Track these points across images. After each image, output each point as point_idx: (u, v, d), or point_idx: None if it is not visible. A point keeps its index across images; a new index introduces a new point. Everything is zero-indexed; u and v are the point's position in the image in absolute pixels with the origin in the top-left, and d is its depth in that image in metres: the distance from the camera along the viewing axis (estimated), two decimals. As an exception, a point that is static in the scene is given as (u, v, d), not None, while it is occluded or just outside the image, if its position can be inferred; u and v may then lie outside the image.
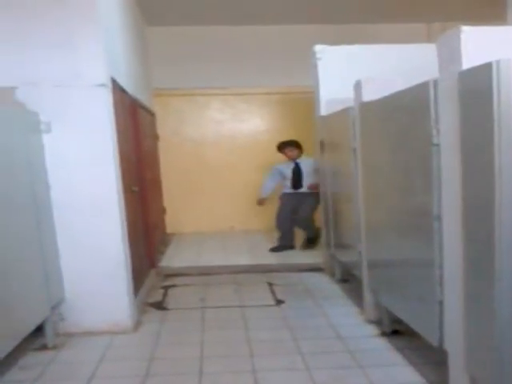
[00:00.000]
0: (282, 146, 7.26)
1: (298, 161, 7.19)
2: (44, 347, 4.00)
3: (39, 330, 3.94)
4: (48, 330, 4.01)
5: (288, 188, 7.26)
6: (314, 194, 6.67)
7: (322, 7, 7.36)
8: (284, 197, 7.34)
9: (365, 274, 4.37)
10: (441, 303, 3.00)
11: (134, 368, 3.67)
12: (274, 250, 7.20)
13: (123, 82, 4.99)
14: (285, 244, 7.25)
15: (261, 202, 7.55)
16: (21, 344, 3.60)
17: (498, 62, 2.25)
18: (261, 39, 8.16)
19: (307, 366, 3.55)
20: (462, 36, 2.54)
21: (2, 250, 3.38)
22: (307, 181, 7.05)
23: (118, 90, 4.65)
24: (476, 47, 2.53)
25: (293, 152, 7.19)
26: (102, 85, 4.10)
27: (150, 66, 7.78)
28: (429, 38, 7.52)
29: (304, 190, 7.09)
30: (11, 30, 3.96)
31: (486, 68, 2.30)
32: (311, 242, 7.22)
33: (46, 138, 4.06)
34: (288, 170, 7.23)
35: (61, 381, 3.53)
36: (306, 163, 7.09)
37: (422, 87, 2.99)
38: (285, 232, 7.29)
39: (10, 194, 3.54)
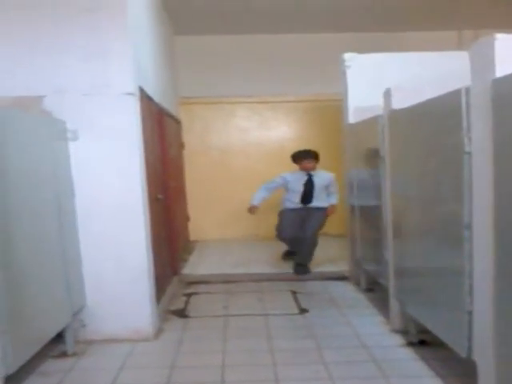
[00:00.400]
0: (299, 157, 6.37)
1: (311, 173, 6.33)
2: (64, 354, 3.98)
3: (60, 336, 3.93)
4: (68, 336, 4.00)
5: (293, 203, 6.35)
6: (323, 210, 6.32)
7: (350, 15, 7.33)
8: (286, 213, 6.45)
9: (391, 283, 4.30)
10: (470, 313, 2.93)
11: (154, 376, 3.64)
12: (286, 256, 6.82)
13: (150, 91, 5.00)
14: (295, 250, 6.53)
15: (252, 209, 6.47)
16: (41, 351, 3.59)
17: (531, 70, 2.20)
18: (287, 47, 8.17)
19: (331, 376, 3.49)
20: (496, 43, 2.52)
21: (25, 256, 3.38)
22: (319, 197, 6.30)
23: (145, 98, 4.66)
24: (509, 55, 2.50)
25: (311, 164, 6.28)
26: (130, 93, 4.12)
27: (177, 75, 7.81)
28: (460, 46, 7.44)
29: (316, 204, 6.32)
30: (42, 39, 4.02)
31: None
32: (305, 268, 6.31)
33: (73, 146, 4.08)
34: (298, 183, 6.31)
35: (81, 388, 3.51)
36: (321, 177, 6.34)
37: (454, 95, 2.95)
38: (292, 239, 6.44)
39: (35, 201, 3.55)
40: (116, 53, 4.05)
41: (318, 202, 6.29)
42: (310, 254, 6.31)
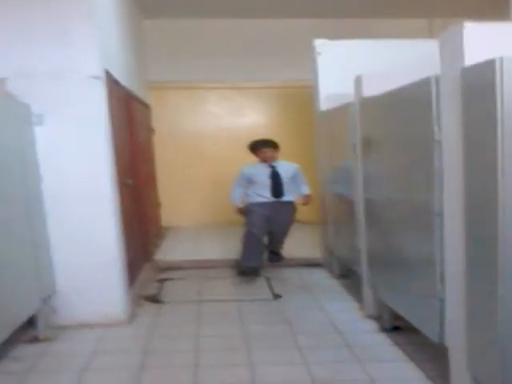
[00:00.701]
0: (256, 146, 5.89)
1: (273, 164, 5.85)
2: (36, 339, 3.96)
3: (31, 322, 3.91)
4: (40, 322, 3.97)
5: (263, 197, 5.81)
6: (291, 204, 5.97)
7: (322, 1, 7.32)
8: (255, 207, 5.84)
9: (364, 270, 4.35)
10: (442, 300, 2.98)
11: (127, 360, 3.63)
12: (243, 272, 5.79)
13: (117, 74, 4.93)
14: (255, 265, 5.82)
15: (240, 211, 5.98)
16: (12, 336, 3.57)
17: (501, 58, 2.24)
18: (260, 33, 8.11)
19: (305, 361, 3.53)
20: (465, 32, 2.51)
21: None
22: (287, 190, 5.84)
23: (111, 82, 4.59)
24: (479, 43, 2.50)
25: (270, 153, 5.80)
26: (96, 77, 4.06)
27: (147, 59, 7.72)
28: (430, 34, 7.51)
29: (286, 198, 5.87)
30: (5, 22, 3.92)
31: (489, 64, 2.28)
32: (278, 256, 6.25)
33: (39, 130, 4.02)
34: (262, 176, 5.81)
35: (53, 372, 3.49)
36: (285, 168, 5.88)
37: (424, 83, 2.96)
38: (255, 248, 5.84)
39: (0, 186, 3.49)
40: (80, 36, 3.98)
41: (288, 195, 5.88)
42: (282, 242, 6.19)
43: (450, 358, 2.94)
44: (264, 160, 5.84)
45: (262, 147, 5.85)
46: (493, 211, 2.33)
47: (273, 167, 5.83)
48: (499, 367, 2.43)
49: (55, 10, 3.94)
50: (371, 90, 3.94)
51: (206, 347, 3.82)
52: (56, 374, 3.48)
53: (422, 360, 3.45)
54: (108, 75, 4.40)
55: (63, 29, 3.96)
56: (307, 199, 6.09)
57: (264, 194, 5.82)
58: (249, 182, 5.91)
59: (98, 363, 3.61)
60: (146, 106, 7.28)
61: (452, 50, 2.63)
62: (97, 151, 4.13)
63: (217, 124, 9.07)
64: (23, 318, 3.73)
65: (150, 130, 7.72)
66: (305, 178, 6.07)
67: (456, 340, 2.83)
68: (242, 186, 5.95)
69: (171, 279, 5.76)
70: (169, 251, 7.03)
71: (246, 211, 5.93)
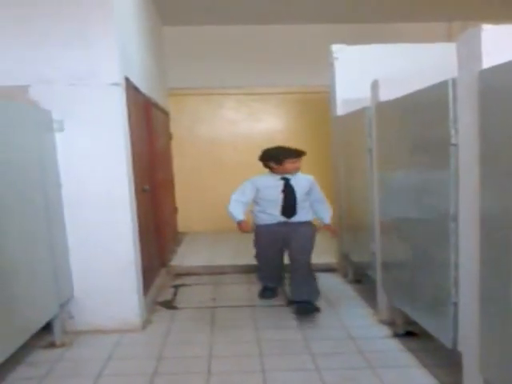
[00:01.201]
0: (279, 156, 4.67)
1: (287, 177, 4.72)
2: (52, 345, 3.98)
3: (47, 327, 3.92)
4: (56, 327, 3.99)
5: (271, 216, 4.76)
6: (309, 225, 4.82)
7: (339, 6, 7.31)
8: (262, 230, 4.85)
9: (378, 275, 4.32)
10: (455, 304, 2.95)
11: (142, 366, 3.64)
12: (263, 295, 5.16)
13: (137, 81, 4.97)
14: (274, 286, 5.20)
15: (245, 226, 4.81)
16: (29, 341, 3.59)
17: (519, 61, 2.20)
18: (277, 38, 8.14)
19: (317, 367, 3.50)
20: (483, 35, 2.49)
21: (12, 247, 3.36)
22: (302, 208, 4.74)
23: (131, 88, 4.63)
24: (496, 46, 2.48)
25: (296, 164, 4.69)
26: (116, 84, 4.09)
27: (166, 66, 7.77)
28: (449, 38, 7.44)
29: (299, 219, 4.76)
30: (26, 28, 3.97)
31: (507, 67, 2.25)
32: (313, 305, 4.58)
33: (59, 137, 4.05)
34: (272, 190, 4.72)
35: (68, 378, 3.50)
36: (299, 181, 4.75)
37: (441, 86, 2.94)
38: (273, 267, 5.08)
39: (21, 192, 3.52)
40: (101, 42, 4.01)
41: (303, 214, 4.76)
42: (316, 286, 4.72)
43: (463, 362, 2.91)
44: (285, 171, 4.70)
45: (287, 157, 4.66)
46: (508, 216, 2.30)
47: (286, 180, 4.72)
48: (512, 373, 2.40)
49: (75, 16, 3.97)
50: (388, 94, 3.92)
51: (219, 353, 3.81)
52: (72, 379, 3.49)
53: (436, 366, 3.41)
54: (128, 82, 4.43)
55: (83, 35, 3.99)
56: (331, 229, 5.04)
57: (271, 212, 4.76)
58: (261, 197, 4.79)
59: (113, 369, 3.62)
60: (164, 112, 7.32)
61: (469, 52, 2.61)
62: (116, 157, 4.14)
63: (234, 130, 9.09)
64: (41, 323, 3.74)
65: (169, 136, 7.77)
66: (321, 191, 4.93)
67: (469, 345, 2.80)
68: (246, 197, 4.79)
69: (186, 285, 5.76)
70: (185, 257, 7.04)
71: (255, 235, 4.97)
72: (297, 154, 4.67)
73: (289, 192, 4.69)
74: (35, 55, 3.98)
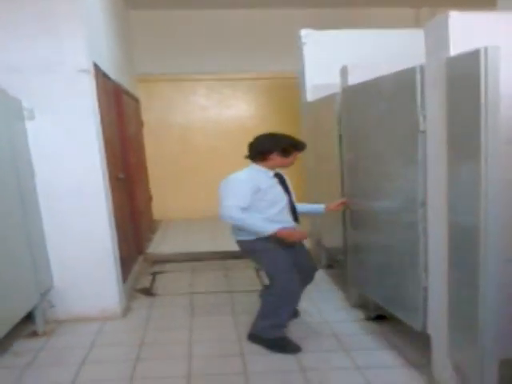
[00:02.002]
0: (292, 147, 3.71)
1: (279, 171, 3.80)
2: (34, 334, 4.02)
3: (29, 317, 3.95)
4: (38, 317, 4.02)
5: (287, 224, 3.67)
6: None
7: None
8: (278, 244, 3.57)
9: (348, 261, 4.36)
10: (425, 289, 3.05)
11: (124, 353, 3.70)
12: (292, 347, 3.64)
13: (106, 68, 4.94)
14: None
15: (297, 232, 3.70)
16: (12, 331, 3.62)
17: (486, 48, 2.26)
18: (247, 23, 8.11)
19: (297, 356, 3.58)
20: (450, 21, 2.52)
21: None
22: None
23: (100, 75, 4.61)
24: (464, 33, 2.51)
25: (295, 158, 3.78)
26: (85, 70, 4.07)
27: (135, 51, 7.70)
28: (417, 23, 7.52)
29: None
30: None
31: (474, 54, 2.30)
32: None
33: (30, 125, 4.04)
34: (277, 189, 3.70)
35: (52, 366, 3.55)
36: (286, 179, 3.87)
37: (409, 72, 2.97)
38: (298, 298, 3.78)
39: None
40: (68, 29, 3.98)
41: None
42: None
43: (432, 345, 3.02)
44: (284, 165, 3.75)
45: (296, 150, 3.75)
46: (475, 201, 2.38)
47: (280, 176, 3.80)
48: (479, 354, 2.50)
49: (42, 2, 3.93)
50: (357, 79, 3.89)
51: (199, 338, 3.89)
52: (55, 367, 3.54)
53: (406, 348, 3.54)
54: (97, 68, 4.41)
55: (50, 22, 3.95)
56: (343, 202, 4.18)
57: (284, 219, 3.68)
58: (263, 199, 3.59)
59: (95, 356, 3.67)
60: (135, 99, 7.28)
61: (437, 39, 2.64)
62: (88, 145, 4.14)
63: (205, 116, 9.10)
64: (22, 312, 3.78)
65: (140, 123, 7.73)
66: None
67: (438, 328, 2.91)
68: (248, 202, 3.51)
69: (164, 272, 5.81)
70: (161, 244, 7.07)
71: (260, 256, 3.70)
72: (305, 146, 3.80)
73: (287, 191, 3.78)
74: (3, 44, 3.94)
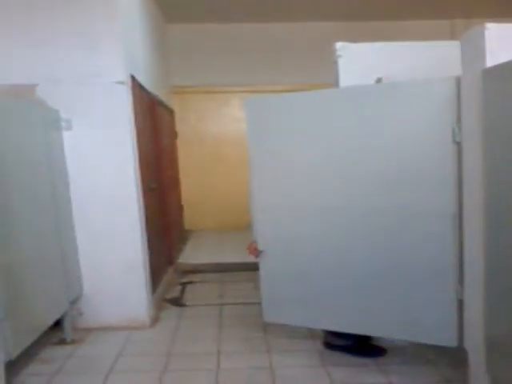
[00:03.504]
0: None
1: None
2: (63, 342, 4.05)
3: (58, 324, 3.99)
4: (66, 324, 4.05)
5: None
6: None
7: (343, 4, 7.31)
8: None
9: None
10: (461, 302, 2.99)
11: (151, 363, 3.69)
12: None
13: (142, 80, 5.01)
14: None
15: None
16: (41, 338, 3.65)
17: (522, 59, 2.22)
18: (281, 36, 8.14)
19: (323, 363, 3.57)
20: (487, 33, 2.51)
21: (23, 245, 3.42)
22: None
23: (137, 87, 4.67)
24: (500, 44, 2.50)
25: None
26: (122, 82, 4.14)
27: (170, 64, 7.80)
28: (452, 35, 7.44)
29: None
30: (33, 28, 4.02)
31: (510, 66, 2.27)
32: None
33: (67, 136, 4.10)
34: None
35: (80, 374, 3.56)
36: None
37: (445, 83, 2.96)
38: None
39: (31, 191, 3.58)
40: (106, 41, 4.06)
41: None
42: None
43: (469, 360, 2.94)
44: None
45: None
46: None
47: None
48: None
49: (81, 15, 4.02)
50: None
51: (227, 350, 3.86)
52: (83, 375, 3.55)
53: (443, 363, 3.46)
54: (133, 80, 4.47)
55: (89, 34, 4.04)
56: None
57: None
58: None
59: (122, 365, 3.68)
60: (169, 111, 7.36)
61: (473, 51, 2.63)
62: (123, 156, 4.20)
63: (238, 128, 9.09)
64: (52, 320, 3.80)
65: (174, 134, 7.80)
66: None
67: (475, 343, 2.83)
68: None
69: (193, 282, 5.81)
70: (191, 254, 7.07)
71: None
72: None
73: None
74: (42, 54, 4.03)
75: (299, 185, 3.62)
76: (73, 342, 4.06)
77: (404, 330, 3.34)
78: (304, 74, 7.84)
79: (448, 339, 3.11)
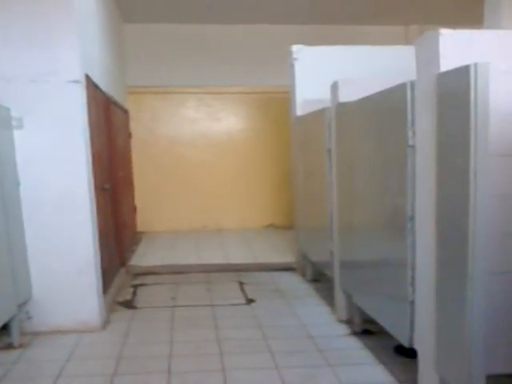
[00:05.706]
0: None
1: None
2: (10, 346, 3.93)
3: (5, 328, 3.86)
4: (14, 328, 3.93)
5: None
6: None
7: (299, 7, 7.38)
8: None
9: (336, 274, 4.37)
10: (412, 303, 3.01)
11: (101, 366, 3.61)
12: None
13: (97, 79, 4.93)
14: None
15: None
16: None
17: (475, 65, 2.28)
18: (238, 38, 8.17)
19: (277, 365, 3.54)
20: (441, 38, 2.56)
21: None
22: None
23: (91, 86, 4.59)
24: (454, 50, 2.55)
25: None
26: (76, 81, 4.05)
27: (126, 64, 7.70)
28: (407, 41, 7.60)
29: None
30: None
31: (464, 71, 2.32)
32: None
33: (18, 134, 3.99)
34: None
35: (27, 380, 3.46)
36: None
37: (399, 89, 3.00)
38: None
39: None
40: (62, 40, 3.98)
41: None
42: None
43: (418, 360, 2.98)
44: None
45: None
46: (464, 215, 2.37)
47: None
48: (467, 368, 2.47)
49: (36, 13, 3.93)
50: (347, 95, 3.97)
51: (179, 353, 3.81)
52: (30, 381, 3.45)
53: (392, 363, 3.49)
54: (88, 79, 4.39)
55: (44, 32, 3.95)
56: None
57: None
58: None
59: (72, 370, 3.58)
60: (124, 111, 7.26)
61: (428, 56, 2.67)
62: (75, 156, 4.11)
63: (194, 129, 9.07)
64: (-2, 323, 3.69)
65: (128, 135, 7.70)
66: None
67: (425, 343, 2.87)
68: None
69: (145, 284, 5.73)
70: (144, 256, 6.99)
71: None
72: None
73: None
74: (-5, 52, 3.92)
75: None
76: (20, 346, 3.93)
77: (377, 314, 3.57)
78: (264, 76, 7.90)
79: (403, 338, 3.14)
